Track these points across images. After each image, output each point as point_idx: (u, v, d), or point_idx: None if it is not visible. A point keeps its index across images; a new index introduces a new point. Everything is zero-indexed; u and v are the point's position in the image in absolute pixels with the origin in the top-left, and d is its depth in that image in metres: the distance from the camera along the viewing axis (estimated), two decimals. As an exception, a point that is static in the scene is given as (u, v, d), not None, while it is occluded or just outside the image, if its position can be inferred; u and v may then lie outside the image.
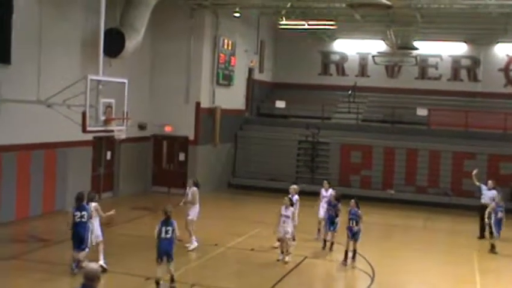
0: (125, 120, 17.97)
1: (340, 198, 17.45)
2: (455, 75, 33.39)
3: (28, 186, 19.53)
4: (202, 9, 26.14)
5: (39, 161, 19.94)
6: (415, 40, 32.44)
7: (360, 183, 28.22)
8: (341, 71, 34.78)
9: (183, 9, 26.00)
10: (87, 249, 13.70)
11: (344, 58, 34.72)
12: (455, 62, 33.37)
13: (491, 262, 17.81)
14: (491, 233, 18.80)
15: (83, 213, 13.69)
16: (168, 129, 26.51)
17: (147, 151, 26.89)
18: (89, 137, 20.93)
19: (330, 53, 34.97)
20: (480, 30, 30.88)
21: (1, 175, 18.39)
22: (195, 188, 16.94)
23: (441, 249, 19.61)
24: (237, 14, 26.98)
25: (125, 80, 17.93)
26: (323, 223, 17.99)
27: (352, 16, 27.61)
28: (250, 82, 31.95)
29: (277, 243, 16.55)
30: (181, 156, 26.94)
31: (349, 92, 32.51)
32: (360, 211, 15.85)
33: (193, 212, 16.83)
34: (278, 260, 15.83)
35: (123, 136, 18.40)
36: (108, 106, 17.10)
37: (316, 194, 19.04)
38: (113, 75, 18.83)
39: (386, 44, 33.28)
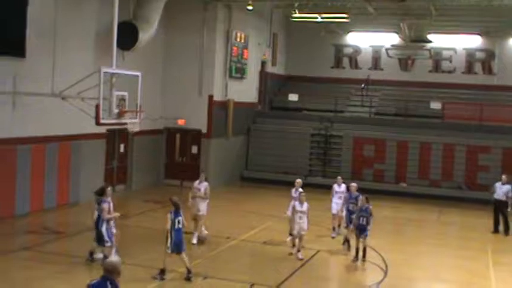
0: (138, 113, 18.02)
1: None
2: (469, 68, 33.11)
3: (42, 178, 19.64)
4: (215, 2, 26.12)
5: (53, 154, 20.04)
6: (428, 33, 32.24)
7: (373, 177, 28.16)
8: (354, 64, 34.63)
9: (196, 2, 26.01)
10: (108, 243, 13.80)
11: (357, 51, 34.56)
12: (470, 55, 33.09)
13: (505, 256, 17.71)
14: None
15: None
16: (181, 122, 26.55)
17: (160, 144, 26.97)
18: (102, 129, 21.01)
19: (343, 46, 34.81)
20: (495, 22, 30.64)
21: (16, 168, 18.51)
22: (206, 183, 16.88)
23: (455, 243, 19.53)
24: (250, 7, 26.93)
25: (139, 73, 17.98)
26: (342, 220, 17.87)
27: (365, 9, 27.50)
28: (263, 75, 31.91)
29: (289, 238, 16.53)
30: (194, 149, 27.00)
31: (362, 85, 32.39)
32: (371, 207, 15.68)
33: (205, 207, 16.75)
34: (290, 254, 15.82)
35: (136, 129, 18.47)
36: (122, 99, 17.17)
37: (329, 188, 18.99)
38: (126, 68, 18.89)
39: (400, 37, 33.08)
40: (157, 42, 24.64)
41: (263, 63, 31.76)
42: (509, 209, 19.81)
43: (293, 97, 31.59)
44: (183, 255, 13.28)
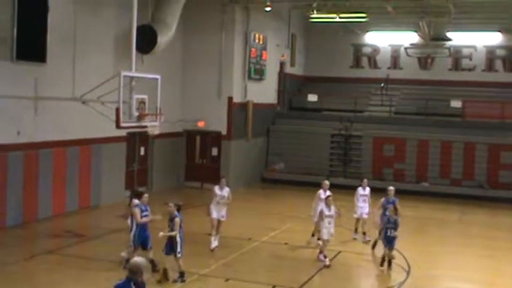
0: (158, 116, 18.11)
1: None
2: (490, 66, 32.81)
3: (64, 182, 19.80)
4: (233, 4, 26.16)
5: (74, 158, 20.21)
6: (448, 31, 31.98)
7: (393, 176, 27.99)
8: (373, 63, 34.49)
9: (214, 5, 26.06)
10: (131, 248, 13.66)
11: (376, 50, 34.42)
12: (490, 52, 32.79)
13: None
14: None
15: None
16: (200, 124, 26.62)
17: (180, 146, 27.06)
18: (122, 132, 21.15)
19: (361, 46, 34.69)
20: (515, 19, 30.31)
21: (38, 172, 18.68)
22: (228, 188, 16.36)
23: (478, 242, 19.34)
24: (268, 9, 26.92)
25: (158, 76, 18.07)
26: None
27: (383, 8, 27.36)
28: (282, 76, 31.89)
29: (316, 241, 16.35)
30: (214, 151, 27.05)
31: (382, 84, 32.24)
32: (399, 219, 14.98)
33: (226, 212, 16.40)
34: (318, 259, 15.42)
35: (156, 132, 18.55)
36: (141, 102, 17.28)
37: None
38: (145, 71, 19.01)
39: (419, 36, 32.86)
40: (176, 45, 24.74)
41: (282, 64, 31.75)
42: None
43: (312, 97, 31.55)
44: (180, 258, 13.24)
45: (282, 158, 29.40)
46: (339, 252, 16.46)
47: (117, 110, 16.22)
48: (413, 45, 33.67)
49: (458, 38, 32.54)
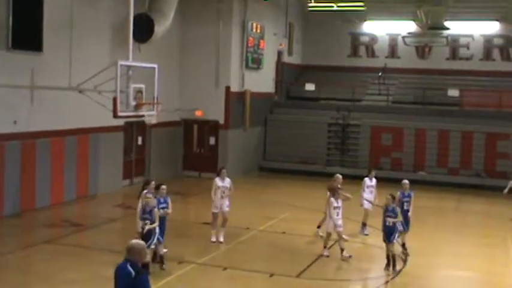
0: (156, 105, 18.06)
1: None
2: (487, 55, 32.80)
3: (62, 171, 19.80)
4: (231, -7, 26.09)
5: (72, 147, 20.19)
6: (445, 20, 31.90)
7: (391, 166, 28.02)
8: (371, 52, 34.43)
9: (212, -7, 25.98)
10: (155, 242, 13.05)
11: (374, 39, 34.35)
12: (488, 41, 32.76)
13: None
14: None
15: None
16: (198, 113, 26.60)
17: (177, 136, 27.03)
18: (120, 122, 21.12)
19: (359, 35, 34.62)
20: (513, 8, 30.25)
21: (36, 161, 18.67)
22: (229, 179, 15.97)
23: (474, 231, 19.38)
24: (265, -3, 26.86)
25: (155, 65, 18.01)
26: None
27: (381, -4, 27.31)
28: (280, 65, 31.84)
29: (321, 233, 16.33)
30: (212, 141, 27.04)
31: (379, 73, 32.20)
32: (398, 208, 14.56)
33: (229, 203, 16.03)
34: (322, 256, 15.13)
35: (153, 121, 18.52)
36: (139, 91, 17.21)
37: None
38: (142, 60, 18.94)
39: (417, 25, 32.78)
40: (173, 34, 24.66)
41: (279, 54, 31.68)
42: None
43: (310, 87, 31.49)
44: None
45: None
46: (336, 241, 16.44)
47: (114, 99, 16.16)
48: (410, 34, 33.60)
49: (455, 27, 32.43)
